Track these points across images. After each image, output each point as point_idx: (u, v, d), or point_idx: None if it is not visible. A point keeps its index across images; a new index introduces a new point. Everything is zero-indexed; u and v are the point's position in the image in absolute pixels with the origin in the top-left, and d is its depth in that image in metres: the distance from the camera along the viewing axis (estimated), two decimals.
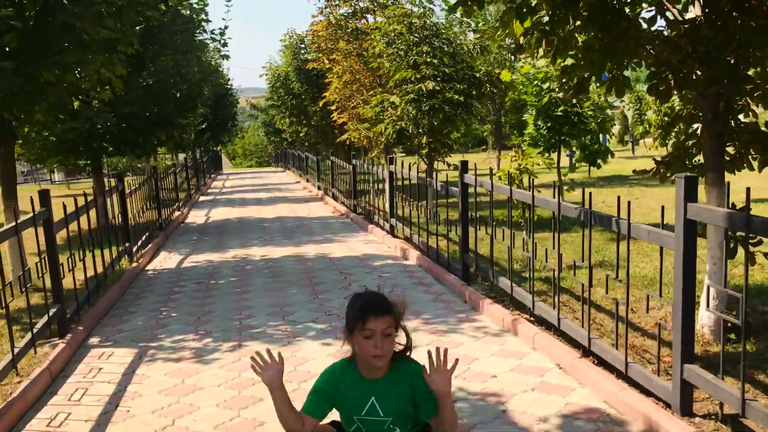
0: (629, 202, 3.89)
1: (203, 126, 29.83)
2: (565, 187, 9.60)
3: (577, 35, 4.84)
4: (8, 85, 6.06)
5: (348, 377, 2.64)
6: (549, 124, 9.79)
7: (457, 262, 7.18)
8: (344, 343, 2.66)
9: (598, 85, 5.50)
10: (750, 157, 4.76)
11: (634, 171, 5.31)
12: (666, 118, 23.97)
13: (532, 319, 5.47)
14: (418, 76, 10.45)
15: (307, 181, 23.53)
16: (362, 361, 2.62)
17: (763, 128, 4.63)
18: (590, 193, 4.30)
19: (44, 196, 5.57)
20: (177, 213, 15.27)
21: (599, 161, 16.41)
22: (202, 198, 21.37)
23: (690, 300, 3.42)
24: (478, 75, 10.79)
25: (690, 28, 4.19)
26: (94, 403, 4.39)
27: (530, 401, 4.05)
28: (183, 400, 4.35)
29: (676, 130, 18.66)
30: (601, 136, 15.81)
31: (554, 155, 9.97)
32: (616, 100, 21.33)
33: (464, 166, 6.80)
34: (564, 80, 5.42)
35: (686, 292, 3.40)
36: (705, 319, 4.78)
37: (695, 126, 4.90)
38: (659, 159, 5.05)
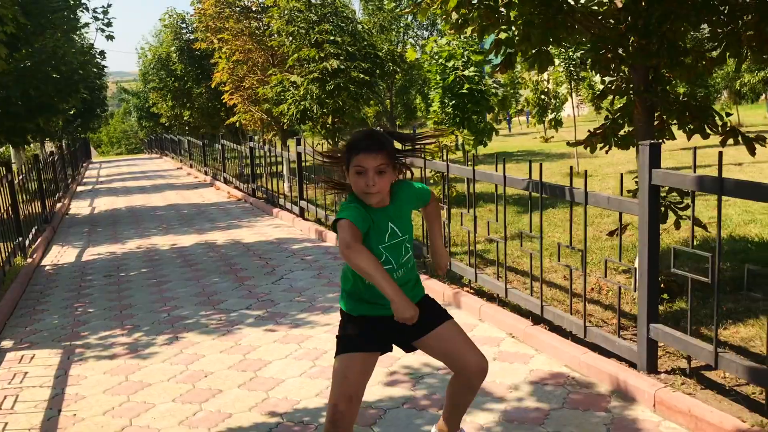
0: (586, 171, 4.01)
1: (72, 112, 28.00)
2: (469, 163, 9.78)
3: (511, 11, 4.91)
4: None
5: (365, 214, 2.58)
6: (453, 102, 9.93)
7: None
8: (346, 179, 2.65)
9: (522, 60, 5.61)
10: (673, 126, 5.03)
11: (567, 143, 5.48)
12: (543, 97, 24.78)
13: (472, 291, 5.56)
14: (322, 55, 10.29)
15: (191, 166, 22.71)
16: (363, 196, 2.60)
17: (685, 98, 4.90)
18: (540, 164, 4.39)
19: None
20: (59, 204, 14.29)
21: (485, 139, 16.87)
22: (79, 188, 20.12)
23: (654, 262, 3.58)
24: (380, 54, 10.78)
25: (629, 1, 4.35)
26: (32, 409, 4.02)
27: (495, 370, 4.11)
28: (134, 398, 4.07)
29: (552, 107, 19.36)
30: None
31: (472, 135, 10.14)
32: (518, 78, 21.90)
33: None
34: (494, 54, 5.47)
35: (651, 255, 3.56)
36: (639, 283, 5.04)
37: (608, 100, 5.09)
38: (591, 130, 5.23)
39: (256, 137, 15.90)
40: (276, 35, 11.79)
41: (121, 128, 66.87)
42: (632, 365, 3.79)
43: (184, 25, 20.24)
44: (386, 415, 3.61)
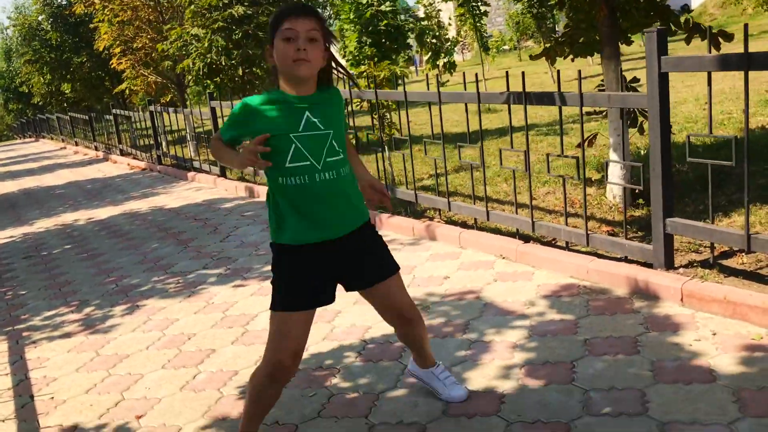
0: (579, 71, 3.82)
1: None
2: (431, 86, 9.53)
3: None
4: None
5: (273, 102, 2.26)
6: (370, 41, 9.58)
7: None
8: (270, 62, 2.32)
9: None
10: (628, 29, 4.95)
11: (530, 56, 5.30)
12: (435, 41, 24.57)
13: (443, 222, 5.34)
14: (225, 1, 9.63)
15: (76, 144, 21.18)
16: (286, 80, 2.28)
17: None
18: (522, 72, 4.17)
19: None
20: None
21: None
22: None
23: (667, 155, 3.46)
24: None
25: None
26: None
27: (502, 291, 3.93)
28: (114, 371, 3.61)
29: (445, 50, 19.10)
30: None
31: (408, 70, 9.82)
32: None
33: None
34: None
35: (664, 147, 3.44)
36: (615, 189, 5.00)
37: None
38: (557, 39, 5.07)
39: (163, 99, 14.96)
40: None
41: None
42: (646, 265, 3.70)
43: None
44: None
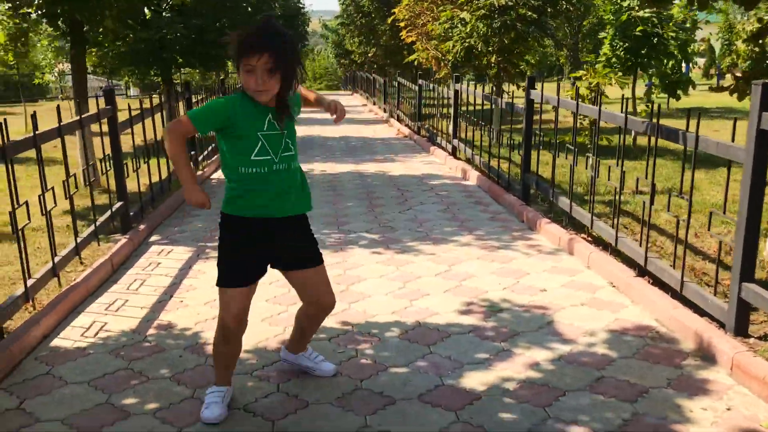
0: (699, 114, 3.67)
1: None
2: (640, 111, 9.22)
3: None
4: None
5: (245, 103, 2.73)
6: (626, 45, 9.31)
7: (517, 183, 7.03)
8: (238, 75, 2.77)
9: None
10: None
11: (710, 88, 5.00)
12: (757, 49, 22.39)
13: (589, 239, 5.34)
14: None
15: (374, 104, 23.33)
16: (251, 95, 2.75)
17: None
18: (659, 105, 4.07)
19: (109, 95, 5.65)
20: None
21: (679, 92, 15.58)
22: None
23: (755, 217, 3.24)
24: None
25: None
26: (151, 292, 4.55)
27: (579, 315, 3.98)
28: None
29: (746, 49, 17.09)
30: (684, 65, 14.95)
31: (629, 78, 9.51)
32: (700, 23, 19.93)
33: (531, 82, 6.57)
34: None
35: (752, 208, 3.22)
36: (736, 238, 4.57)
37: None
38: (739, 75, 4.73)
39: (437, 75, 15.99)
40: None
41: (323, 65, 69.94)
42: (722, 326, 3.50)
43: None
44: (448, 339, 3.66)
